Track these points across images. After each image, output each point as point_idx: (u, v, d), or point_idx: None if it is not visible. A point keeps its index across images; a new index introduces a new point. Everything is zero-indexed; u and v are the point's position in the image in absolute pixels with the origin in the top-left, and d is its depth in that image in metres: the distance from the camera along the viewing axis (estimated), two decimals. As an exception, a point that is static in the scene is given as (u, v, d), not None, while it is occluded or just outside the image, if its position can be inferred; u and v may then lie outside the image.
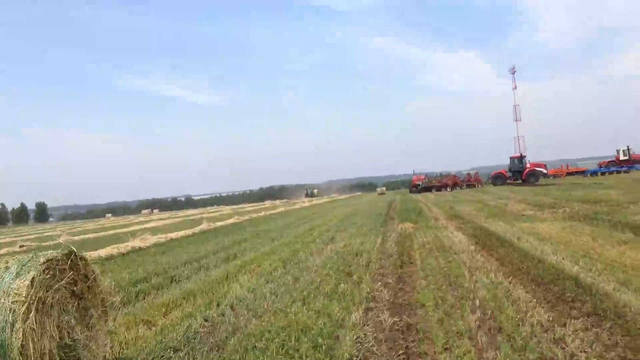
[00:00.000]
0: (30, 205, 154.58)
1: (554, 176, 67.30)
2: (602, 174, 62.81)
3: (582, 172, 68.14)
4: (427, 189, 61.74)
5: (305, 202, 69.51)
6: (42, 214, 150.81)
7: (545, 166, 63.44)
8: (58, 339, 4.67)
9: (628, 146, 67.76)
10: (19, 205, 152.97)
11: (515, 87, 74.26)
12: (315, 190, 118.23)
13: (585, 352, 4.69)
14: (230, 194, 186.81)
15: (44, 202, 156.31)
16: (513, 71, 75.44)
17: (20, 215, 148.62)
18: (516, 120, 72.81)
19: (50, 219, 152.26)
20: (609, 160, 70.04)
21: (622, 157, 67.68)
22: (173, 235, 22.78)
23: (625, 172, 61.87)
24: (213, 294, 8.70)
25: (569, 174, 68.94)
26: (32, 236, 36.91)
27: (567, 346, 4.86)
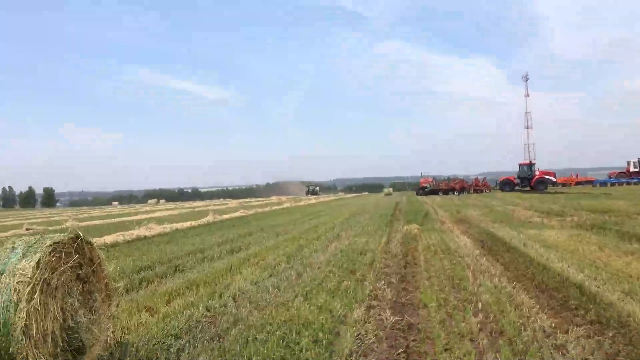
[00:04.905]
0: (38, 190, 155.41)
1: (563, 185, 67.07)
2: (612, 184, 62.58)
3: (591, 182, 67.87)
4: (434, 191, 61.69)
5: (312, 199, 69.51)
6: (49, 199, 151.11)
7: (554, 174, 63.37)
8: (61, 321, 4.69)
9: (639, 158, 67.43)
10: (27, 189, 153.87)
11: (528, 94, 74.29)
12: (317, 188, 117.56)
13: (586, 359, 4.67)
14: (237, 187, 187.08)
15: (51, 188, 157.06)
16: (526, 78, 75.47)
17: (28, 199, 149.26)
18: (527, 128, 72.83)
19: (58, 204, 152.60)
20: (619, 171, 69.74)
21: (632, 169, 67.38)
22: (178, 225, 22.84)
23: (635, 183, 61.61)
24: (216, 284, 8.72)
25: (578, 183, 68.66)
26: (39, 220, 37.09)
27: (568, 353, 4.84)
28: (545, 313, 6.23)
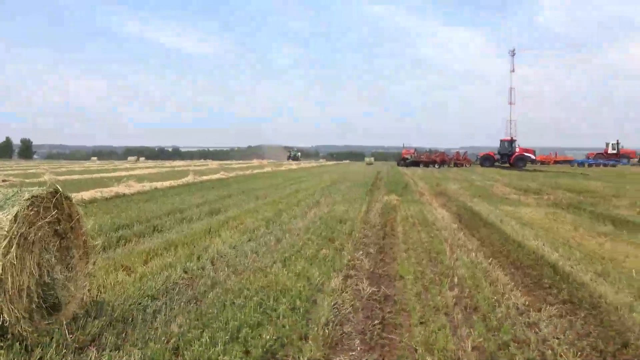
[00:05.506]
0: (16, 141, 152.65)
1: (542, 163, 67.77)
2: (589, 165, 63.36)
3: (570, 162, 68.68)
4: (415, 163, 61.95)
5: (293, 164, 69.40)
6: (26, 150, 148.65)
7: (534, 152, 63.85)
8: (37, 277, 4.64)
9: (617, 140, 68.35)
10: (4, 139, 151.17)
11: (514, 69, 74.26)
12: (299, 154, 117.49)
13: (557, 338, 4.76)
14: (218, 149, 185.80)
15: (29, 139, 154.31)
16: (512, 53, 75.52)
17: (5, 150, 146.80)
18: (510, 103, 73.00)
19: (35, 156, 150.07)
20: (598, 152, 70.60)
21: (610, 151, 68.28)
22: (158, 184, 22.63)
23: (612, 166, 62.43)
24: (194, 246, 8.70)
25: (557, 162, 69.48)
26: (16, 172, 36.50)
27: (540, 331, 4.93)
28: (520, 290, 6.33)
